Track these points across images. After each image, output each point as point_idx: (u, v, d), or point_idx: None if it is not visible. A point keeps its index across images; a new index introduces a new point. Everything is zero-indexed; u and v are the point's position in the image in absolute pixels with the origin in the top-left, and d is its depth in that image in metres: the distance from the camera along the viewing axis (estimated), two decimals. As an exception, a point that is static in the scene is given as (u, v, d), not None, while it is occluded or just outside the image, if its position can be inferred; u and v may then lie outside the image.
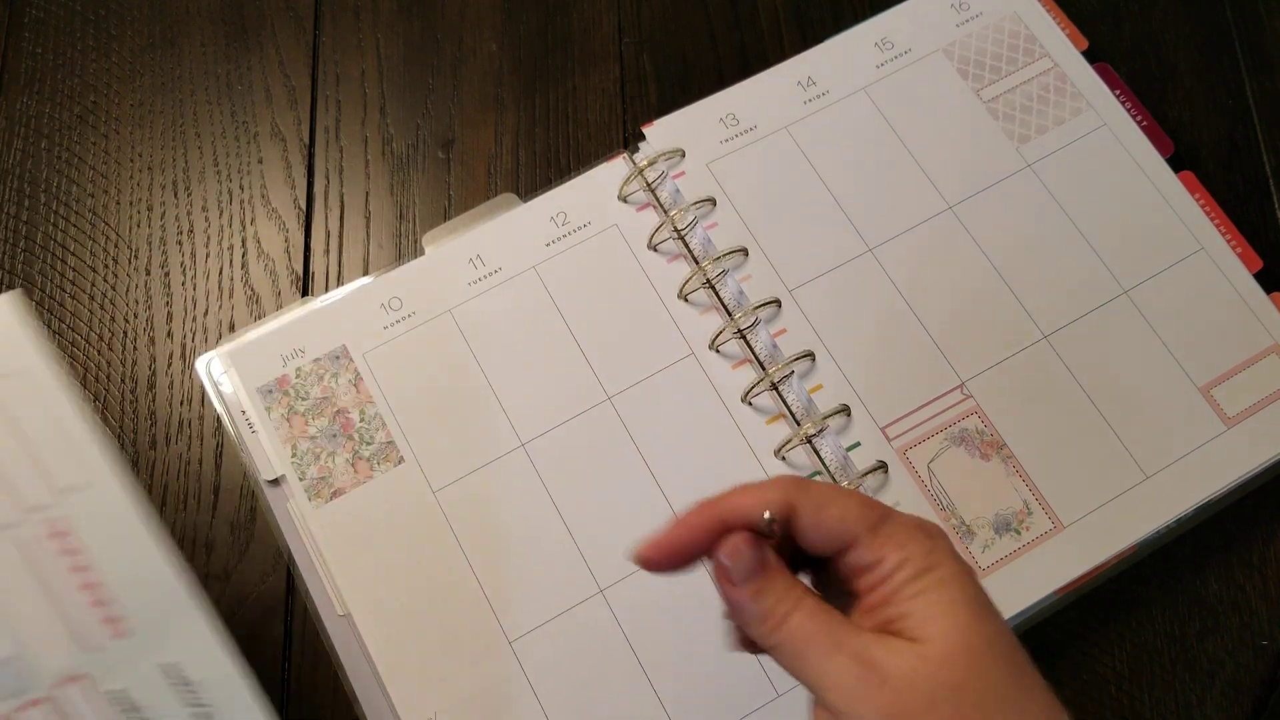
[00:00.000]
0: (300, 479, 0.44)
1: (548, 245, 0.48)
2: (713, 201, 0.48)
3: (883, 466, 0.44)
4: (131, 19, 0.54)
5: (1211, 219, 0.49)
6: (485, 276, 0.47)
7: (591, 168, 0.49)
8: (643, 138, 0.50)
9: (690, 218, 0.48)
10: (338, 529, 0.43)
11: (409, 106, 0.52)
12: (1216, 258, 0.48)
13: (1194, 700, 0.44)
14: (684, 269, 0.47)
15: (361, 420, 0.45)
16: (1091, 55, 0.52)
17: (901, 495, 0.44)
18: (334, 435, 0.44)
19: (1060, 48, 0.51)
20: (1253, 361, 0.46)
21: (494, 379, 0.45)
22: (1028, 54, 0.51)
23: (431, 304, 0.47)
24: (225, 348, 0.46)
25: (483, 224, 0.48)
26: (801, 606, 0.29)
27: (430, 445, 0.44)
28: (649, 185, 0.49)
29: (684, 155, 0.49)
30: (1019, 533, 0.43)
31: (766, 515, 0.29)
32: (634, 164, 0.49)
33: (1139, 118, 0.51)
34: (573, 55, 0.54)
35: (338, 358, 0.46)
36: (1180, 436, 0.45)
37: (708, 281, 0.47)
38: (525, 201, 0.49)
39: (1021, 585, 0.43)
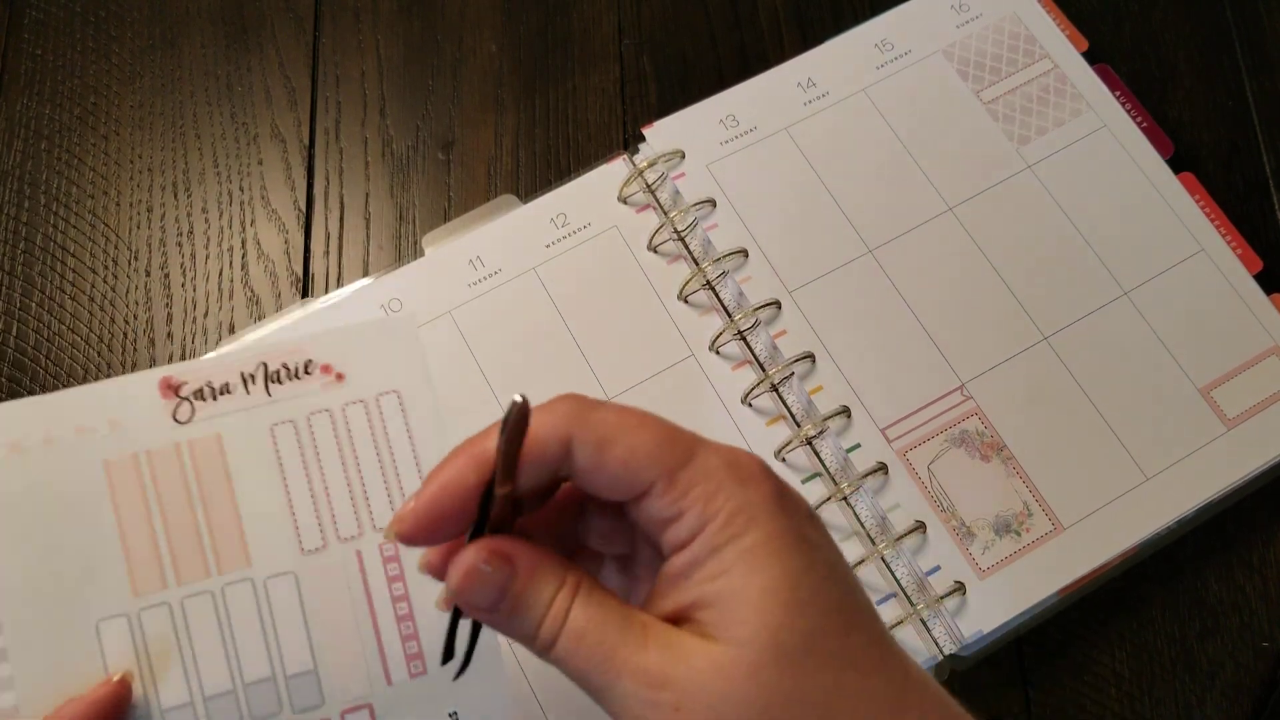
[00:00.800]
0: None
1: (548, 246, 0.48)
2: (712, 203, 0.48)
3: (883, 468, 0.44)
4: (131, 20, 0.54)
5: (1211, 220, 0.49)
6: (485, 278, 0.47)
7: (591, 169, 0.49)
8: (643, 139, 0.50)
9: (690, 219, 0.48)
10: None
11: (409, 107, 0.52)
12: (1216, 259, 0.48)
13: (1194, 701, 0.44)
14: (684, 270, 0.47)
15: (362, 422, 0.45)
16: (1091, 56, 0.52)
17: (902, 497, 0.44)
18: (334, 437, 0.44)
19: (1060, 49, 0.51)
20: (1253, 363, 0.46)
21: (494, 381, 0.45)
22: (1028, 55, 0.51)
23: (431, 305, 0.46)
24: (225, 349, 0.46)
25: (483, 225, 0.48)
26: (572, 617, 0.24)
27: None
28: (649, 186, 0.49)
29: (684, 156, 0.49)
30: (1019, 534, 0.43)
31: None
32: (634, 165, 0.49)
33: (1139, 119, 0.51)
34: (573, 56, 0.54)
35: (338, 359, 0.45)
36: (1180, 438, 0.45)
37: (708, 283, 0.47)
38: (525, 203, 0.49)
39: (1022, 587, 0.43)
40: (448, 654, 0.27)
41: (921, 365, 0.46)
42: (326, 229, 0.50)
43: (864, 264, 0.47)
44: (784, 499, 0.24)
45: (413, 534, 0.24)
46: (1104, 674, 0.44)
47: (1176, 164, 0.50)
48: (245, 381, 0.32)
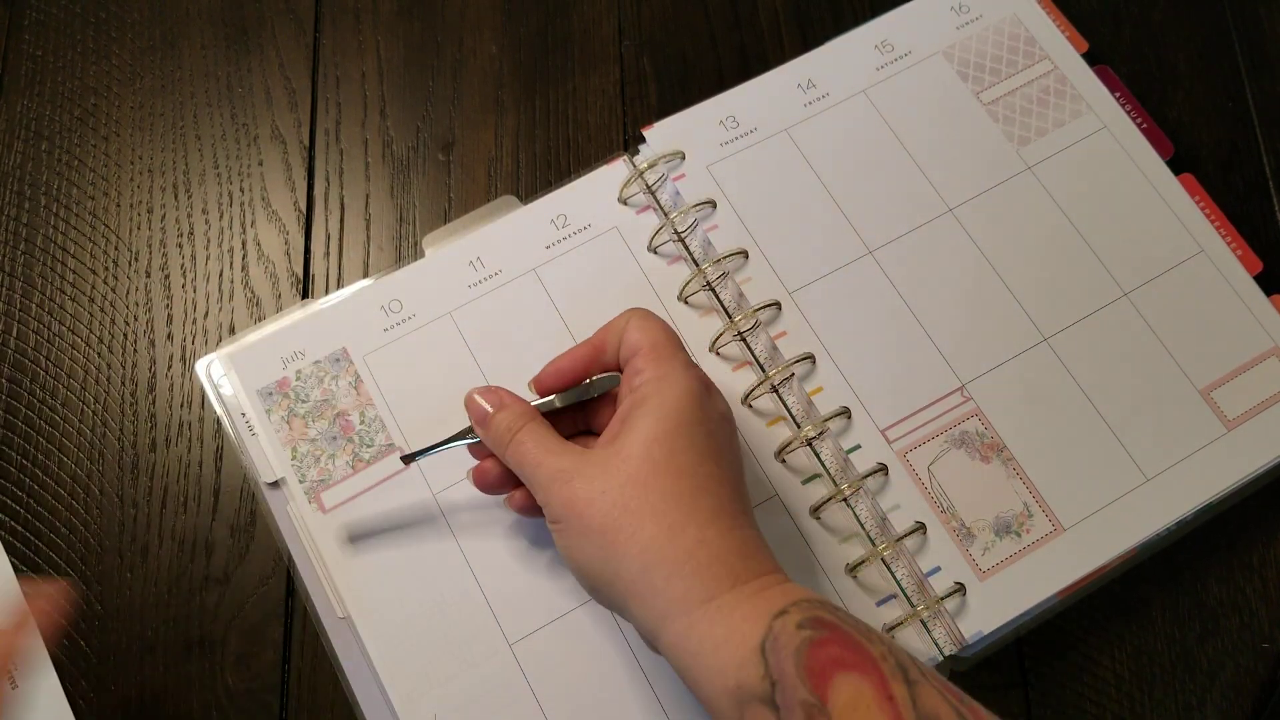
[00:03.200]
0: (300, 481, 0.44)
1: (548, 248, 0.48)
2: (713, 204, 0.48)
3: (883, 469, 0.44)
4: (132, 21, 0.54)
5: (1211, 221, 0.49)
6: (485, 279, 0.47)
7: (592, 170, 0.49)
8: (643, 140, 0.50)
9: (690, 220, 0.48)
10: (337, 531, 0.43)
11: (409, 109, 0.52)
12: (1216, 260, 0.48)
13: (1194, 702, 0.44)
14: (684, 271, 0.47)
15: (361, 423, 0.45)
16: (1091, 57, 0.52)
17: (902, 497, 0.44)
18: (334, 438, 0.44)
19: (1060, 50, 0.51)
20: (1253, 364, 0.46)
21: (494, 382, 0.45)
22: (1028, 56, 0.51)
23: (432, 306, 0.47)
24: (225, 350, 0.46)
25: (483, 226, 0.48)
26: (524, 430, 0.38)
27: (430, 448, 0.44)
28: (649, 187, 0.49)
29: (684, 157, 0.49)
30: (1019, 535, 0.43)
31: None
32: (634, 166, 0.49)
33: (1139, 120, 0.51)
34: (573, 57, 0.54)
35: (338, 360, 0.46)
36: (1180, 439, 0.45)
37: (708, 284, 0.47)
38: (525, 204, 0.49)
39: (1022, 588, 0.43)
40: (419, 454, 0.42)
41: (921, 366, 0.46)
42: (327, 230, 0.50)
43: (864, 265, 0.47)
44: (683, 373, 0.38)
45: (539, 388, 0.41)
46: (1104, 675, 0.44)
47: (1176, 165, 0.50)
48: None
